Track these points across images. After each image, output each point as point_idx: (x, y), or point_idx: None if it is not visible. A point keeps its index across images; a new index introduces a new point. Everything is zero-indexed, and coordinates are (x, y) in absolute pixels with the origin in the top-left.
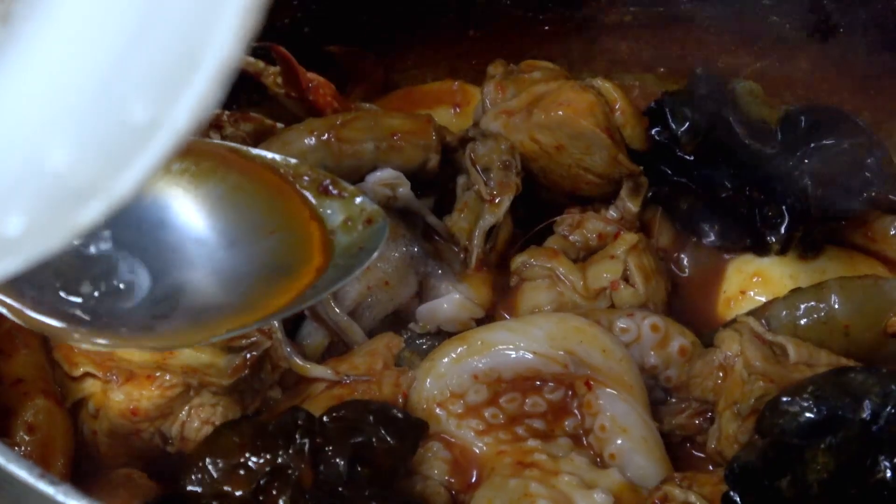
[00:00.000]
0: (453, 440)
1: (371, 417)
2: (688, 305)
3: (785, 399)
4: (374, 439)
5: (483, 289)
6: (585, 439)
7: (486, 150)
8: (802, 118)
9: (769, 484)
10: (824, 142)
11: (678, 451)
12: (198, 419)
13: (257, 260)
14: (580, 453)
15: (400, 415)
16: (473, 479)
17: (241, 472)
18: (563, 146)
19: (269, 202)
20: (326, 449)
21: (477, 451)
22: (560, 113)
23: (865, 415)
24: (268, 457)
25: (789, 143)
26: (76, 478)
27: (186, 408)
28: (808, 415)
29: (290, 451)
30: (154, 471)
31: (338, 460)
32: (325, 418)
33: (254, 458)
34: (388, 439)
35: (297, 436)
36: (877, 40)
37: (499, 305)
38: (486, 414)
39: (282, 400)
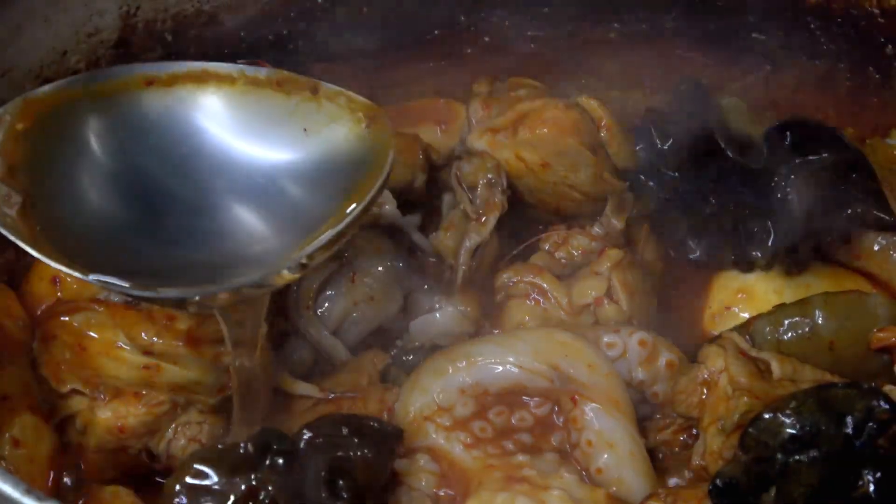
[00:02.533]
0: (441, 453)
1: (345, 430)
2: (673, 321)
3: (768, 415)
4: (350, 452)
5: (471, 305)
6: (572, 454)
7: (472, 169)
8: (787, 134)
9: (753, 499)
10: (809, 157)
11: (663, 465)
12: (184, 437)
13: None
14: (569, 469)
15: (375, 424)
16: (461, 493)
17: (213, 496)
18: (548, 164)
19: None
20: (303, 466)
21: (465, 464)
22: (545, 131)
23: (848, 430)
24: (238, 479)
25: (774, 158)
26: (62, 494)
27: (173, 425)
28: (790, 430)
29: (263, 472)
30: (141, 487)
31: (315, 476)
32: (301, 435)
33: (225, 481)
34: (365, 451)
35: (269, 456)
36: (860, 57)
37: (485, 321)
38: (475, 427)
39: (270, 417)
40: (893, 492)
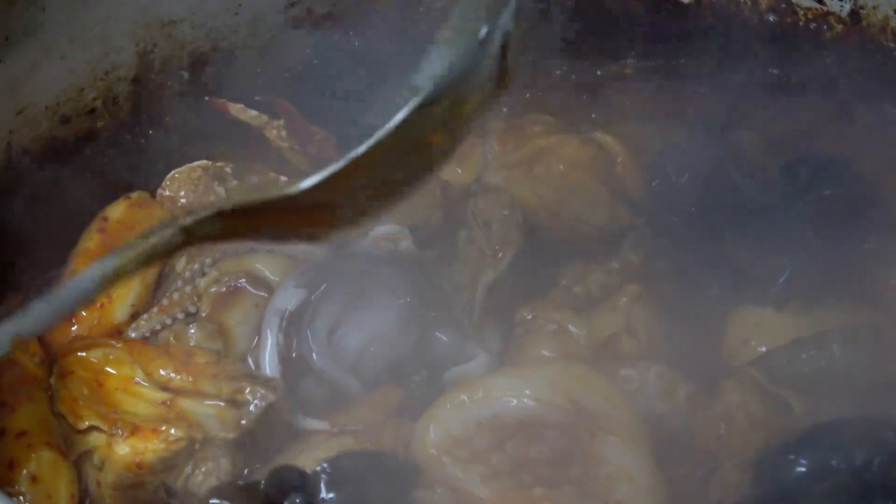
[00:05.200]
0: (459, 485)
1: (364, 467)
2: (691, 355)
3: (778, 450)
4: (366, 489)
5: (491, 341)
6: (591, 487)
7: (487, 205)
8: (802, 168)
9: None
10: (825, 192)
11: (682, 500)
12: (202, 474)
13: None
14: (586, 503)
15: (393, 461)
16: None
17: None
18: (564, 200)
19: None
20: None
21: (483, 496)
22: (560, 167)
23: (858, 463)
24: None
25: (790, 193)
26: None
27: (192, 462)
28: (801, 465)
29: None
30: None
31: None
32: (319, 471)
33: None
34: (380, 487)
35: (290, 494)
36: (878, 91)
37: (504, 358)
38: (492, 460)
39: (285, 452)
40: None
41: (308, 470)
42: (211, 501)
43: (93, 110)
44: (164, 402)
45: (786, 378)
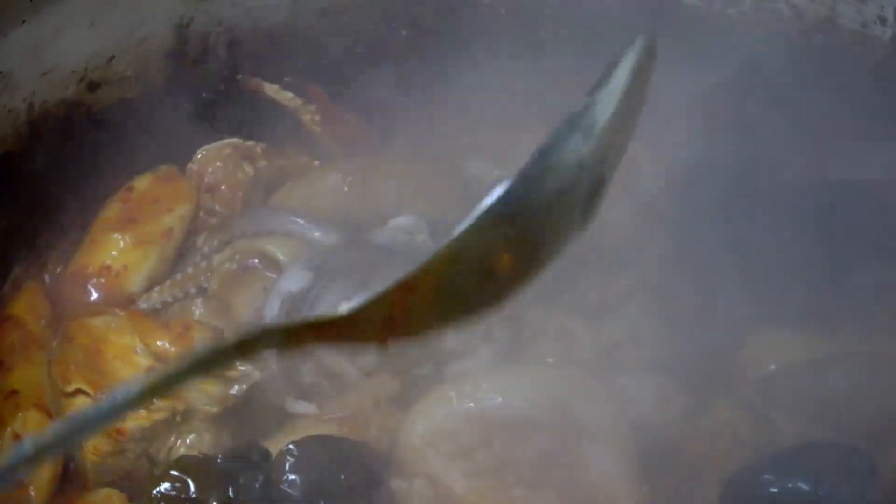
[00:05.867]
0: (439, 479)
1: (331, 453)
2: (699, 369)
3: (750, 471)
4: (333, 476)
5: (497, 340)
6: (572, 493)
7: None
8: (826, 192)
9: None
10: (849, 216)
11: None
12: (184, 446)
13: None
14: None
15: (363, 450)
16: None
17: None
18: None
19: None
20: (282, 484)
21: (461, 492)
22: None
23: (826, 489)
24: (215, 491)
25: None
26: (60, 495)
27: (174, 434)
28: (770, 485)
29: (241, 486)
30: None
31: (294, 494)
32: (285, 452)
33: (202, 492)
34: (349, 476)
35: (248, 471)
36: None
37: (509, 357)
38: (477, 457)
39: (273, 433)
40: None
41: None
42: (170, 472)
43: (123, 79)
44: (142, 367)
45: (785, 399)
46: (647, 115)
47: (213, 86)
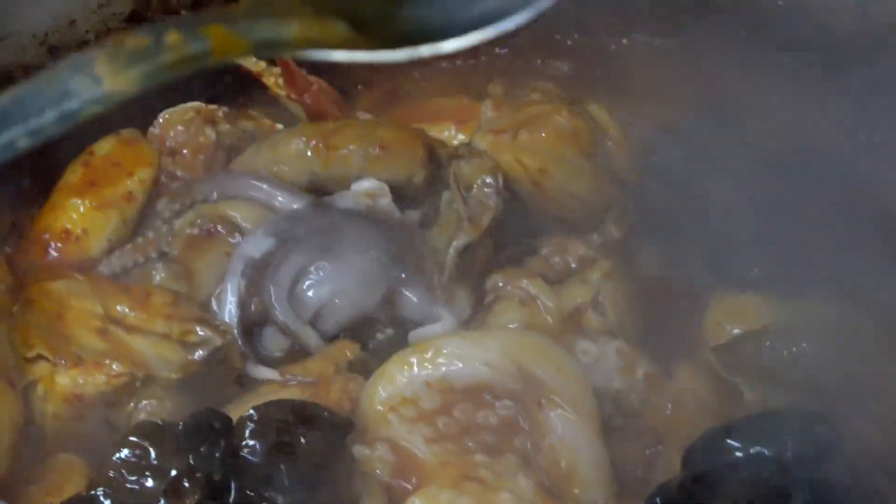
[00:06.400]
0: (401, 444)
1: (292, 416)
2: (664, 335)
3: (713, 435)
4: (295, 439)
5: (459, 305)
6: (535, 458)
7: (471, 169)
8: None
9: None
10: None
11: (628, 479)
12: (144, 411)
13: None
14: (527, 474)
15: (325, 414)
16: (415, 485)
17: (149, 473)
18: (546, 170)
19: None
20: (244, 449)
21: (423, 457)
22: (543, 136)
23: (787, 455)
24: (176, 457)
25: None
26: (20, 462)
27: (134, 400)
28: (732, 452)
29: (201, 453)
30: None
31: (255, 461)
32: (245, 418)
33: (162, 460)
34: (311, 439)
35: (209, 437)
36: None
37: (472, 323)
38: (438, 422)
39: (235, 399)
40: None
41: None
42: (130, 438)
43: (84, 43)
44: (113, 338)
45: (750, 366)
46: (615, 83)
47: None
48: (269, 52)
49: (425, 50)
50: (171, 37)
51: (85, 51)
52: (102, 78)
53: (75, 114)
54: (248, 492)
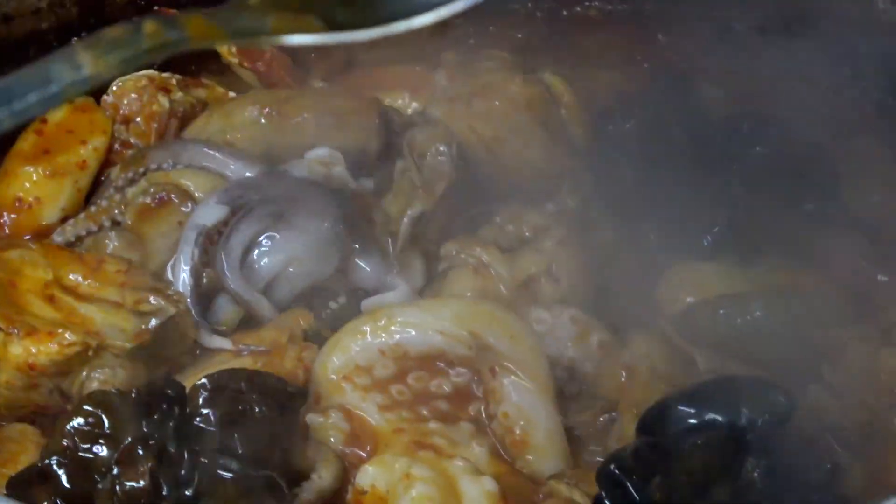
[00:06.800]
0: (355, 413)
1: (245, 385)
2: (621, 304)
3: (667, 401)
4: (248, 408)
5: (413, 274)
6: (489, 426)
7: (424, 137)
8: (745, 124)
9: (640, 485)
10: (762, 149)
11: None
12: (97, 380)
13: None
14: (481, 441)
15: (278, 383)
16: (369, 453)
17: (103, 441)
18: (500, 138)
19: None
20: (197, 418)
21: (377, 425)
22: (497, 103)
23: (742, 422)
24: (130, 425)
25: (729, 148)
26: None
27: (87, 369)
28: (685, 418)
29: (155, 421)
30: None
31: (209, 429)
32: (199, 386)
33: (116, 428)
34: (265, 408)
35: (163, 405)
36: (842, 47)
37: (426, 291)
38: (392, 390)
39: (188, 368)
40: (778, 482)
41: None
42: (84, 407)
43: (37, 10)
44: (66, 308)
45: (705, 334)
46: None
47: (129, 17)
48: (246, 40)
49: (399, 26)
50: (149, 26)
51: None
52: (83, 64)
53: (56, 96)
54: (201, 460)
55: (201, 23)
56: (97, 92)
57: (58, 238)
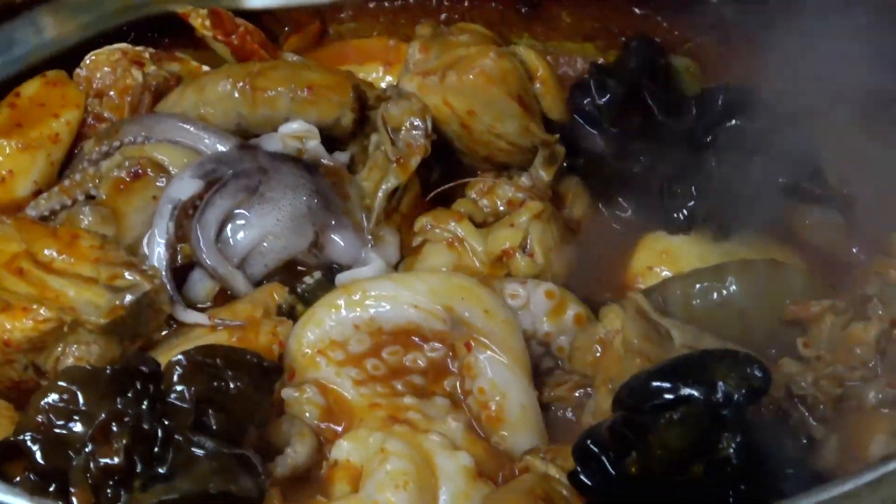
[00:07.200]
0: (330, 387)
1: (220, 361)
2: (596, 279)
3: (643, 376)
4: (223, 384)
5: (388, 248)
6: (465, 401)
7: (399, 111)
8: (720, 97)
9: (616, 461)
10: (734, 122)
11: (558, 421)
12: (72, 356)
13: None
14: (456, 416)
15: (253, 358)
16: (344, 428)
17: (77, 417)
18: (474, 112)
19: None
20: (172, 394)
21: (352, 400)
22: (471, 77)
23: (717, 398)
24: (105, 402)
25: (704, 121)
26: None
27: (61, 345)
28: (662, 393)
29: (129, 398)
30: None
31: (183, 406)
32: (174, 363)
33: (91, 403)
34: (239, 384)
35: (137, 382)
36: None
37: (401, 265)
38: (368, 365)
39: (164, 343)
40: (752, 456)
41: None
42: (58, 383)
43: None
44: (40, 283)
45: (680, 308)
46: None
47: None
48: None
49: None
50: None
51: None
52: (45, 27)
53: (20, 59)
54: (175, 437)
55: None
56: (70, 66)
57: (31, 212)
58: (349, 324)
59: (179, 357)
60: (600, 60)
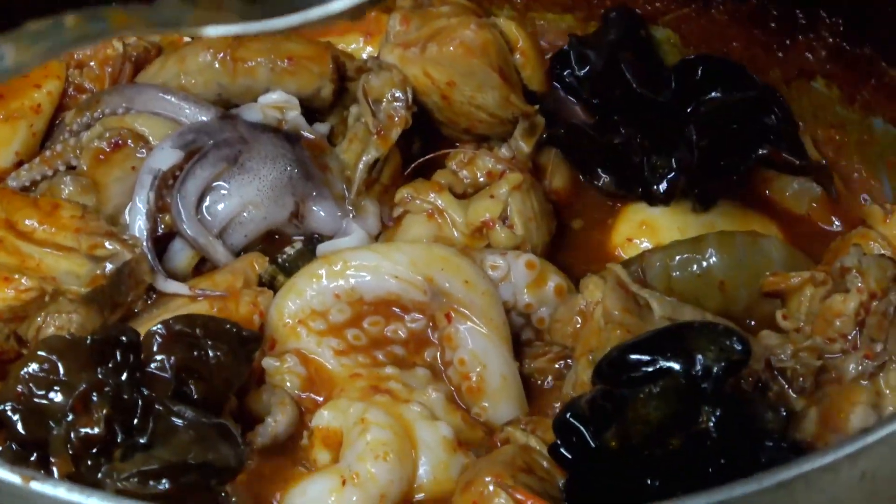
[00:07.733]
0: (311, 357)
1: (200, 331)
2: (576, 250)
3: (622, 351)
4: (203, 353)
5: (368, 218)
6: (446, 372)
7: (380, 82)
8: (700, 69)
9: (596, 434)
10: (714, 94)
11: (538, 392)
12: (53, 325)
13: None
14: (437, 387)
15: (232, 328)
16: (325, 398)
17: (57, 387)
18: (454, 83)
19: None
20: (152, 364)
21: (333, 370)
22: (451, 49)
23: (696, 370)
24: (85, 372)
25: (683, 93)
26: None
27: (43, 313)
28: (641, 367)
29: (110, 367)
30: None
31: (163, 375)
32: (153, 332)
33: (71, 372)
34: (219, 353)
35: (117, 352)
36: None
37: (381, 236)
38: (348, 335)
39: (144, 314)
40: (732, 429)
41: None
42: (38, 353)
43: None
44: (21, 252)
45: (659, 280)
46: None
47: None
48: (168, 29)
49: (315, 13)
50: (71, 20)
51: None
52: (4, 55)
53: None
54: (156, 407)
55: (122, 16)
56: None
57: (12, 182)
58: (330, 294)
59: (159, 327)
60: (580, 32)
